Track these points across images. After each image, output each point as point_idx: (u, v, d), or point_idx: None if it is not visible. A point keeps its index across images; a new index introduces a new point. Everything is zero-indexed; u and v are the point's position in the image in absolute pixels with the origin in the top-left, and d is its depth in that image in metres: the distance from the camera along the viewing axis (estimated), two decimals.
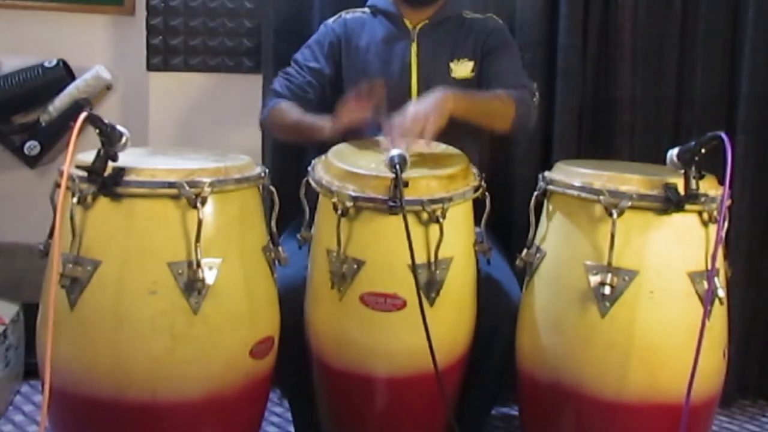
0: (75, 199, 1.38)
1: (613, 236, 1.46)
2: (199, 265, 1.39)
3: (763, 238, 2.34)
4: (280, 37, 2.26)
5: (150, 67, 2.35)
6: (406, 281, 1.48)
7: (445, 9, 2.01)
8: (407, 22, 2.00)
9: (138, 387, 1.40)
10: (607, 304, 1.48)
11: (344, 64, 2.00)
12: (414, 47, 1.98)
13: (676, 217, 1.49)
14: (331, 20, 2.06)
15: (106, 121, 1.38)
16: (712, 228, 1.51)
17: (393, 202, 1.44)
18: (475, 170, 1.68)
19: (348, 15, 2.06)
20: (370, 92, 1.73)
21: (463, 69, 1.97)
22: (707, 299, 1.46)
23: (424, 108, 1.65)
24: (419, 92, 1.95)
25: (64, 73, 2.38)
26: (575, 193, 1.55)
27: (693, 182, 1.45)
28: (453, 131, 1.86)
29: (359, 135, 1.80)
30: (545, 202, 1.65)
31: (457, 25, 2.01)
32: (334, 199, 1.52)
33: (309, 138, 1.86)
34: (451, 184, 1.56)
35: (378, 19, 2.03)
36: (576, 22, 2.21)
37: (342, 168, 1.57)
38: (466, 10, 2.07)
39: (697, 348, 1.37)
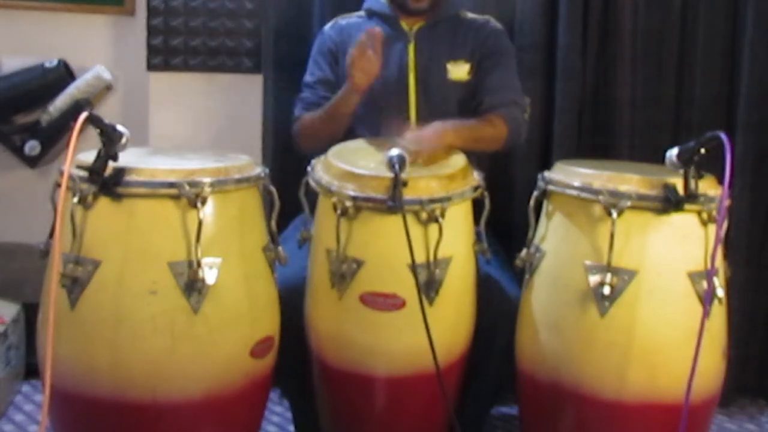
0: (75, 199, 1.39)
1: (612, 236, 1.46)
2: (199, 264, 1.40)
3: (763, 238, 2.34)
4: (280, 38, 2.27)
5: (150, 67, 2.35)
6: (406, 281, 1.49)
7: (442, 10, 2.00)
8: (404, 24, 1.99)
9: (138, 387, 1.40)
10: (607, 304, 1.49)
11: (341, 68, 2.00)
12: (411, 48, 1.97)
13: (676, 217, 1.49)
14: (327, 26, 2.07)
15: (106, 121, 1.38)
16: (712, 228, 1.51)
17: (392, 201, 1.45)
18: (474, 170, 1.69)
19: (343, 20, 2.07)
20: (368, 40, 1.76)
21: (460, 71, 1.97)
22: (707, 299, 1.46)
23: (424, 134, 1.68)
24: (417, 93, 1.96)
25: (64, 73, 2.38)
26: (575, 193, 1.55)
27: (692, 182, 1.46)
28: None
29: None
30: (545, 201, 1.66)
31: (455, 26, 2.01)
32: (334, 199, 1.52)
33: (341, 114, 1.89)
34: (451, 183, 1.56)
35: (374, 21, 2.03)
36: (576, 22, 2.21)
37: (341, 168, 1.57)
38: (464, 10, 2.07)
39: (696, 348, 1.37)
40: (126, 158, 1.41)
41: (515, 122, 1.92)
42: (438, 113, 1.88)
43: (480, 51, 1.98)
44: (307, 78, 2.03)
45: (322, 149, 1.88)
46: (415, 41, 1.98)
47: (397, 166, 1.45)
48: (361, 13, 2.07)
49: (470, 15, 2.06)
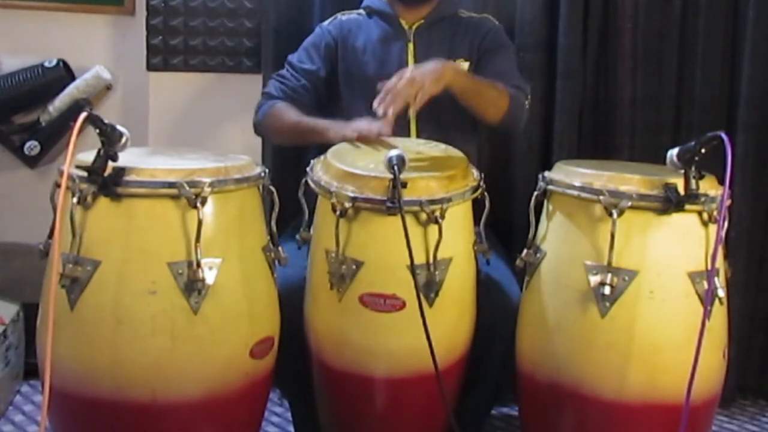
0: (75, 199, 1.38)
1: (613, 236, 1.46)
2: (199, 265, 1.39)
3: (763, 238, 2.34)
4: (280, 37, 2.27)
5: (150, 67, 2.35)
6: (406, 282, 1.48)
7: (441, 8, 2.00)
8: (403, 22, 1.99)
9: (138, 387, 1.40)
10: (607, 304, 1.48)
11: (340, 65, 2.00)
12: (410, 47, 1.97)
13: (676, 217, 1.49)
14: (326, 22, 2.07)
15: (106, 121, 1.38)
16: (712, 228, 1.51)
17: (391, 202, 1.44)
18: (474, 170, 1.68)
19: (344, 16, 2.06)
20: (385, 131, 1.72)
21: None
22: (707, 299, 1.46)
23: (421, 73, 1.67)
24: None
25: (64, 73, 2.38)
26: (575, 193, 1.55)
27: (693, 182, 1.45)
28: (451, 127, 1.86)
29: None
30: (545, 202, 1.65)
31: (454, 25, 2.01)
32: (333, 200, 1.52)
33: (307, 140, 1.89)
34: (451, 184, 1.56)
35: (373, 19, 2.03)
36: (576, 22, 2.21)
37: (341, 168, 1.57)
38: (462, 9, 2.07)
39: (697, 348, 1.37)
40: (126, 158, 1.41)
41: (518, 101, 1.90)
42: (436, 112, 1.88)
43: (479, 48, 1.98)
44: (294, 60, 2.02)
45: (277, 144, 1.96)
46: (414, 40, 1.98)
47: (396, 167, 1.45)
48: (361, 11, 2.07)
49: (468, 13, 2.06)
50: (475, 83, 1.82)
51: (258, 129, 2.04)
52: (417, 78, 1.65)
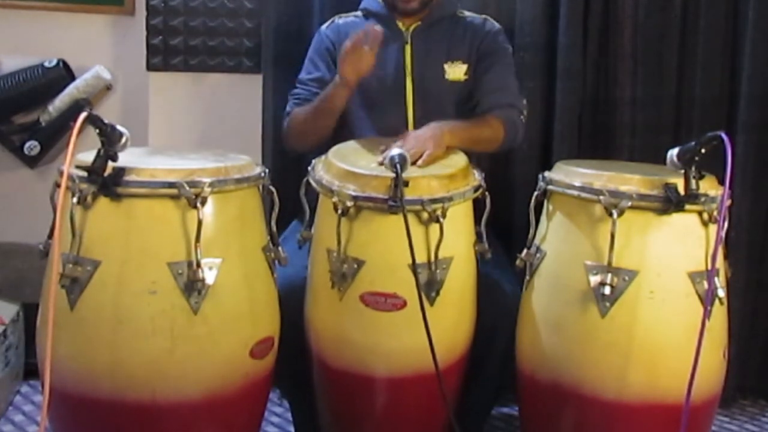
0: (75, 199, 1.38)
1: (613, 236, 1.46)
2: (199, 265, 1.39)
3: (763, 238, 2.34)
4: (280, 37, 2.26)
5: (150, 67, 2.35)
6: (407, 281, 1.48)
7: (439, 9, 2.00)
8: (400, 24, 1.99)
9: (138, 387, 1.40)
10: (607, 304, 1.48)
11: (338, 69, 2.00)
12: (408, 49, 1.97)
13: (676, 217, 1.49)
14: (324, 26, 2.07)
15: (106, 121, 1.38)
16: (712, 228, 1.51)
17: (393, 201, 1.44)
18: (475, 170, 1.69)
19: (341, 20, 2.06)
20: (365, 37, 1.76)
21: (457, 72, 1.96)
22: (707, 299, 1.46)
23: (424, 136, 1.69)
24: (414, 94, 1.95)
25: (64, 73, 2.38)
26: (575, 193, 1.55)
27: (693, 182, 1.45)
28: None
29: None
30: (545, 202, 1.65)
31: (452, 25, 2.00)
32: (335, 199, 1.52)
33: (328, 115, 1.89)
34: (452, 183, 1.56)
35: (371, 22, 2.03)
36: (576, 22, 2.21)
37: (342, 168, 1.57)
38: (462, 9, 2.06)
39: (697, 348, 1.37)
40: (125, 158, 1.41)
41: (512, 125, 1.92)
42: (435, 114, 1.88)
43: (477, 51, 1.98)
44: (302, 75, 2.03)
45: (309, 148, 1.93)
46: (412, 42, 1.97)
47: (398, 166, 1.45)
48: (359, 13, 2.07)
49: (467, 14, 2.05)
50: (469, 133, 1.83)
51: (288, 145, 2.03)
52: (421, 141, 1.67)
